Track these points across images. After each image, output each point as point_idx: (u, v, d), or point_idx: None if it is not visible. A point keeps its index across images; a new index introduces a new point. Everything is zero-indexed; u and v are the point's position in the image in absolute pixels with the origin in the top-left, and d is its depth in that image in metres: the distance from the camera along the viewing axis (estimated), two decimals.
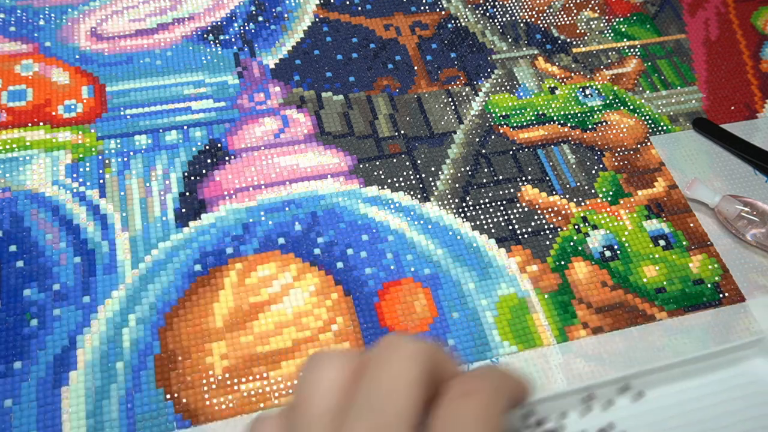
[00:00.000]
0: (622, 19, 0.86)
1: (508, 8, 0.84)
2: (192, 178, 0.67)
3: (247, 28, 0.78)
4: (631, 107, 0.78)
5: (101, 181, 0.65)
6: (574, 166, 0.72)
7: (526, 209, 0.68)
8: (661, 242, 0.68)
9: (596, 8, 0.86)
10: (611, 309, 0.63)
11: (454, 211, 0.67)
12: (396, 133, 0.72)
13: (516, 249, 0.66)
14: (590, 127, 0.75)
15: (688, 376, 0.51)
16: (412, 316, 0.61)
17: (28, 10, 0.76)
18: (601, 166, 0.72)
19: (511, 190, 0.70)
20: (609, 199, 0.70)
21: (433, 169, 0.70)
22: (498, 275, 0.64)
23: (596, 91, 0.78)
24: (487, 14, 0.84)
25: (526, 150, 0.73)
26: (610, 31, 0.84)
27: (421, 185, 0.69)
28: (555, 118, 0.75)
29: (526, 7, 0.85)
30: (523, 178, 0.70)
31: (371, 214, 0.66)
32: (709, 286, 0.65)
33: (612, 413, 0.45)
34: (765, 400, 0.53)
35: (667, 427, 0.51)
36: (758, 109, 0.80)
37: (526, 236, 0.67)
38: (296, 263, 0.63)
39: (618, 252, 0.66)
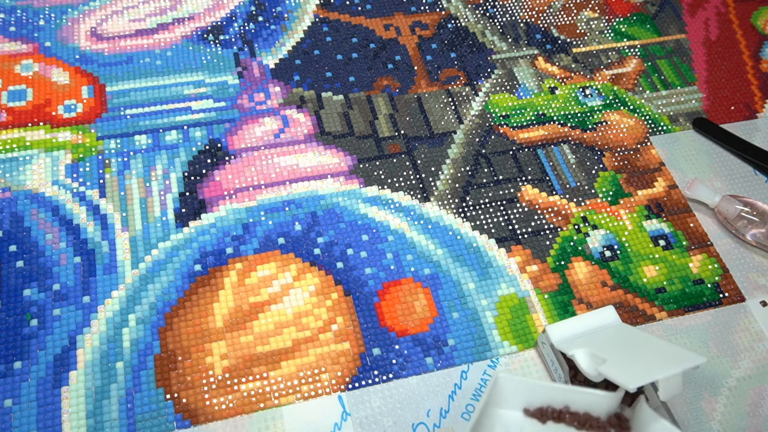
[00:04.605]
0: (622, 19, 0.86)
1: (508, 8, 0.84)
2: (192, 178, 0.67)
3: (247, 28, 0.78)
4: (631, 107, 0.77)
5: (101, 181, 0.65)
6: (574, 166, 0.72)
7: (526, 209, 0.68)
8: (661, 242, 0.68)
9: (596, 8, 0.86)
10: None
11: (454, 211, 0.67)
12: (396, 133, 0.72)
13: (516, 249, 0.66)
14: (590, 127, 0.75)
15: None
16: (412, 316, 0.61)
17: (28, 10, 0.76)
18: (601, 166, 0.72)
19: (511, 190, 0.69)
20: (609, 199, 0.70)
21: (433, 169, 0.70)
22: (498, 275, 0.64)
23: (596, 91, 0.78)
24: (487, 14, 0.84)
25: (526, 150, 0.73)
26: (610, 31, 0.84)
27: (421, 185, 0.69)
28: (555, 118, 0.75)
29: (526, 7, 0.85)
30: (523, 178, 0.70)
31: (371, 214, 0.66)
32: (709, 286, 0.65)
33: None
34: None
35: None
36: (758, 109, 0.80)
37: (526, 236, 0.67)
38: (296, 263, 0.63)
39: (618, 252, 0.66)
